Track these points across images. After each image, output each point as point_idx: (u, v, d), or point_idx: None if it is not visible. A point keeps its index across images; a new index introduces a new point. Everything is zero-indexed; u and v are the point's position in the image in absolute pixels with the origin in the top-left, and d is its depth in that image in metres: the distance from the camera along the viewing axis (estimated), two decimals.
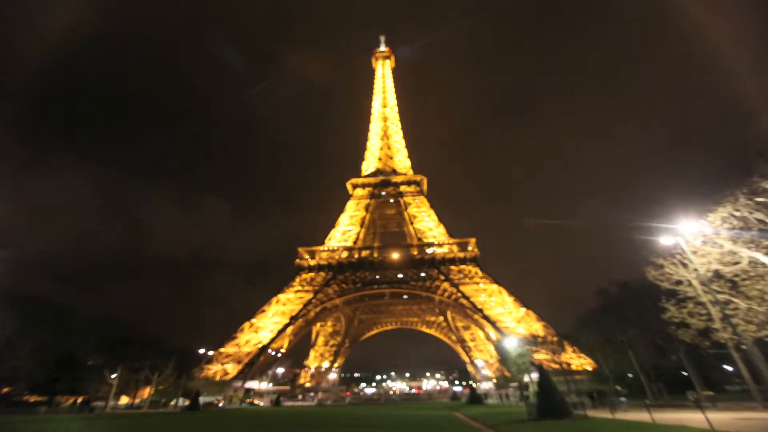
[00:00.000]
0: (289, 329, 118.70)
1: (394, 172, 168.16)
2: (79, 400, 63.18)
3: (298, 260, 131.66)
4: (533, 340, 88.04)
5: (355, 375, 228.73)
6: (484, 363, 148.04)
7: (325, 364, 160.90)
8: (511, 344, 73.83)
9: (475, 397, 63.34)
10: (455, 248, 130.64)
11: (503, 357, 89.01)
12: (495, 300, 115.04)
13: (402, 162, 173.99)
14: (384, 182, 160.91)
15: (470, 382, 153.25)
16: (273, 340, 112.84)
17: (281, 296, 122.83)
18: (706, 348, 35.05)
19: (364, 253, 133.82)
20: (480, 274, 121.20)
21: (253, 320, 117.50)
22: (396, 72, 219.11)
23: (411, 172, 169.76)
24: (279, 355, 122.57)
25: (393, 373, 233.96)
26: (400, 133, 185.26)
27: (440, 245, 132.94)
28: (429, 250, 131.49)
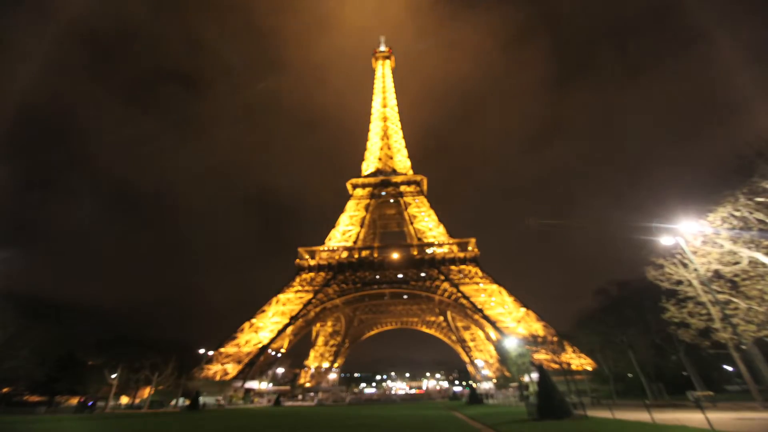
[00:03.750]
0: (289, 329, 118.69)
1: (394, 172, 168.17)
2: (77, 401, 63.16)
3: (298, 260, 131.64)
4: (533, 340, 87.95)
5: (355, 375, 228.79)
6: (484, 363, 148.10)
7: (325, 364, 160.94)
8: (511, 344, 73.87)
9: (475, 397, 63.27)
10: (455, 248, 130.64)
11: (503, 357, 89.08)
12: (495, 300, 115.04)
13: (402, 162, 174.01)
14: (384, 182, 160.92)
15: (470, 382, 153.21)
16: (273, 340, 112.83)
17: (281, 296, 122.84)
18: (706, 348, 35.02)
19: (364, 253, 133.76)
20: (480, 274, 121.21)
21: (253, 320, 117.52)
22: (397, 71, 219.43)
23: (411, 172, 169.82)
24: (279, 355, 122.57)
25: (393, 373, 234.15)
26: (400, 133, 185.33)
27: (440, 245, 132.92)
28: (429, 250, 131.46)
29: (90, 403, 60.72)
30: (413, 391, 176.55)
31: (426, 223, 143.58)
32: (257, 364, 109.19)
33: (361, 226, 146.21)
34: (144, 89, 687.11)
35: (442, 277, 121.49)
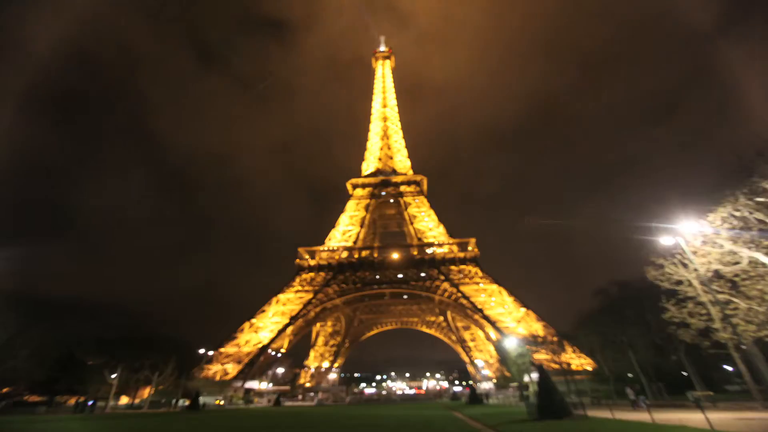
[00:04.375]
0: (289, 329, 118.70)
1: (394, 172, 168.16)
2: (79, 399, 63.18)
3: (298, 260, 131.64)
4: (533, 340, 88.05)
5: (355, 375, 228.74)
6: (484, 363, 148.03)
7: (325, 364, 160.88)
8: (511, 344, 73.87)
9: (475, 397, 63.29)
10: (455, 248, 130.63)
11: (503, 357, 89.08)
12: (495, 300, 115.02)
13: (402, 162, 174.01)
14: (384, 182, 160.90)
15: (470, 382, 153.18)
16: (273, 340, 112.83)
17: (281, 296, 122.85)
18: (706, 348, 35.05)
19: (364, 253, 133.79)
20: (480, 274, 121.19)
21: (253, 320, 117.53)
22: (397, 72, 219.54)
23: (411, 172, 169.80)
24: (279, 355, 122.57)
25: (393, 373, 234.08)
26: (400, 133, 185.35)
27: (440, 245, 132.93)
28: (429, 250, 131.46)
29: (90, 403, 60.69)
30: (413, 391, 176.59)
31: (426, 223, 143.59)
32: (257, 364, 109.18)
33: (361, 226, 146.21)
34: (223, 39, 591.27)
35: (442, 277, 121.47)
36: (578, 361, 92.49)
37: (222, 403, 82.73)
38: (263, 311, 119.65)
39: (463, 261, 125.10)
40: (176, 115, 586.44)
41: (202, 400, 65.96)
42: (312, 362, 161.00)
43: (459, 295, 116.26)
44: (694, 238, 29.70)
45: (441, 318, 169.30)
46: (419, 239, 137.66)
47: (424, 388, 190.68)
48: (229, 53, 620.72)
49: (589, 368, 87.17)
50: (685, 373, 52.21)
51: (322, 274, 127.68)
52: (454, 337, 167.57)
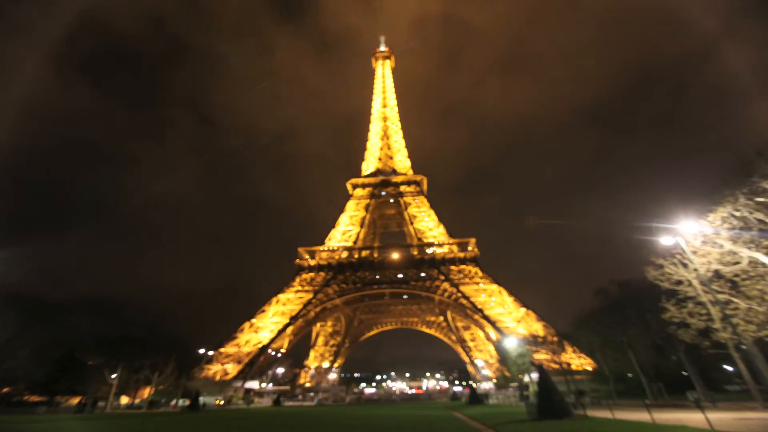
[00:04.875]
0: (289, 329, 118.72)
1: (394, 172, 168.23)
2: (76, 400, 63.17)
3: (298, 260, 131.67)
4: (533, 340, 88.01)
5: (355, 375, 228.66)
6: (484, 363, 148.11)
7: (325, 364, 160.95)
8: (511, 344, 73.93)
9: (475, 397, 63.26)
10: (455, 248, 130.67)
11: (503, 357, 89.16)
12: (495, 300, 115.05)
13: (402, 162, 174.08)
14: (384, 182, 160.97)
15: (470, 382, 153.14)
16: (273, 340, 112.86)
17: (281, 296, 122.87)
18: (706, 348, 35.04)
19: (364, 253, 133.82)
20: (480, 274, 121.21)
21: (253, 320, 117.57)
22: (398, 71, 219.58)
23: (411, 172, 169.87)
24: (279, 355, 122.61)
25: (393, 373, 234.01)
26: (400, 133, 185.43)
27: (440, 245, 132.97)
28: (429, 250, 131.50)
29: (87, 401, 60.67)
30: (413, 391, 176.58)
31: (426, 223, 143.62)
32: (257, 364, 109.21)
33: (361, 226, 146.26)
34: None
35: (442, 277, 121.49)
36: (578, 361, 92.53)
37: (222, 403, 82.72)
38: (263, 311, 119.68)
39: (463, 261, 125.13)
40: (239, 84, 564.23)
41: (202, 400, 65.98)
42: (312, 362, 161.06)
43: (459, 295, 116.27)
44: (694, 238, 29.71)
45: (441, 318, 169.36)
46: (419, 239, 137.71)
47: (424, 388, 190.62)
48: (307, 9, 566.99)
49: (589, 368, 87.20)
50: (685, 373, 52.17)
51: (322, 274, 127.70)
52: (454, 337, 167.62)
